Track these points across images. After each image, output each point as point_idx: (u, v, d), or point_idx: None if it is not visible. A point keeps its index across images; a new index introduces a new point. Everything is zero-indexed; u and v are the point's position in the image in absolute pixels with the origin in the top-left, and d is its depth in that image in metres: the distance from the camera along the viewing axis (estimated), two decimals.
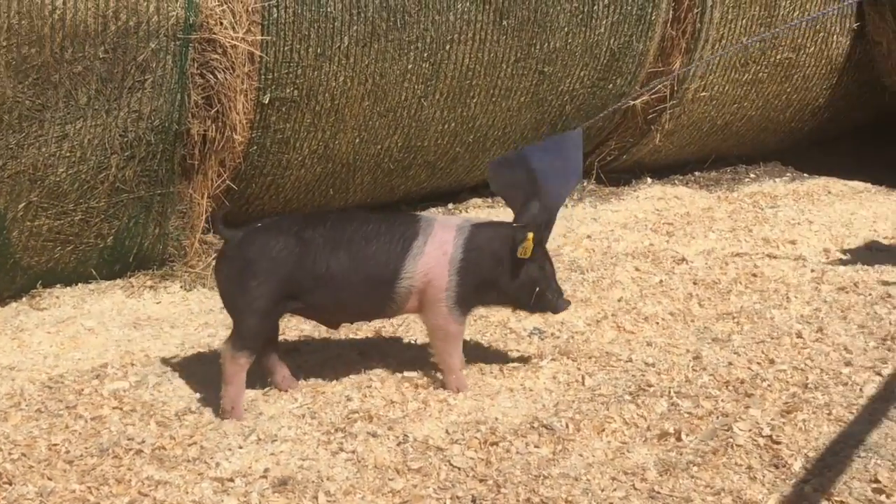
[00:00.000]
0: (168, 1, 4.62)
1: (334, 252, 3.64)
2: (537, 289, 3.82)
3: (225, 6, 4.88)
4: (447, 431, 3.55)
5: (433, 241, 3.70)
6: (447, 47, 5.51)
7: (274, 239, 3.64)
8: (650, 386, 3.84)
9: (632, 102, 6.27)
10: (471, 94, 5.77)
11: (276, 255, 3.62)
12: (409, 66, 5.45)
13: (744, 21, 6.37)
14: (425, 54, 5.47)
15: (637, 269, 5.11)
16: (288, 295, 3.64)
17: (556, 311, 3.91)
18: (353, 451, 3.43)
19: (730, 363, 4.01)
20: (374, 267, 3.65)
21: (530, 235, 3.72)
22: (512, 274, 3.77)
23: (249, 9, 4.98)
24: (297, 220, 3.75)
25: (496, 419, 3.64)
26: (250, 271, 3.62)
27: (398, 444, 3.47)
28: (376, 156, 5.72)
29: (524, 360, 4.12)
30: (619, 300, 4.74)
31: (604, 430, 3.55)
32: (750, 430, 3.50)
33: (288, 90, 5.17)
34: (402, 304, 3.73)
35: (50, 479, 3.28)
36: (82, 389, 3.85)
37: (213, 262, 3.88)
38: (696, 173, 7.02)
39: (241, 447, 3.45)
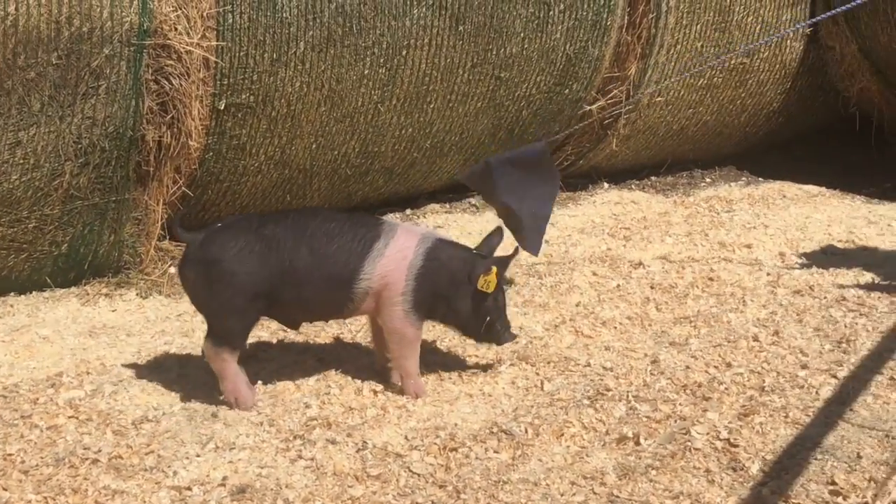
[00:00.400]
0: (122, 6, 4.60)
1: (296, 248, 3.66)
2: (488, 319, 3.87)
3: (179, 11, 4.86)
4: (406, 437, 3.56)
5: (394, 244, 3.73)
6: (403, 53, 5.53)
7: (235, 237, 3.66)
8: (608, 390, 3.87)
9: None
10: (427, 100, 5.78)
11: (239, 252, 3.64)
12: (366, 72, 5.46)
13: (698, 26, 6.43)
14: (381, 60, 5.48)
15: (595, 274, 5.14)
16: (257, 292, 3.66)
17: (500, 342, 3.96)
18: (312, 459, 3.43)
19: (687, 367, 4.05)
20: (333, 265, 3.68)
21: (495, 269, 3.80)
22: (465, 300, 3.82)
23: (204, 14, 4.96)
24: (258, 217, 3.77)
25: (455, 425, 3.65)
26: (216, 272, 3.64)
27: (357, 451, 3.47)
28: (333, 161, 5.72)
29: (483, 365, 4.13)
30: (577, 305, 4.76)
31: (563, 434, 3.57)
32: (708, 434, 3.53)
33: (244, 96, 5.16)
34: (359, 304, 3.76)
35: (5, 489, 3.25)
36: (37, 398, 3.82)
37: (178, 266, 3.87)
38: (653, 178, 7.08)
39: (198, 455, 3.44)
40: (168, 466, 3.38)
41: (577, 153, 6.73)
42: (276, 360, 4.20)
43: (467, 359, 4.19)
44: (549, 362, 4.13)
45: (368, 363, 4.11)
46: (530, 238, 4.67)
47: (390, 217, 6.11)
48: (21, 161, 4.62)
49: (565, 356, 4.18)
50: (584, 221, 6.12)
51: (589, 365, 4.11)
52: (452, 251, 3.84)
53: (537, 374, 4.05)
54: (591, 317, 4.61)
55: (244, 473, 3.35)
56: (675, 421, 3.64)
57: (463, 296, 3.81)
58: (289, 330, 4.21)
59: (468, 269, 3.80)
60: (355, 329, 4.47)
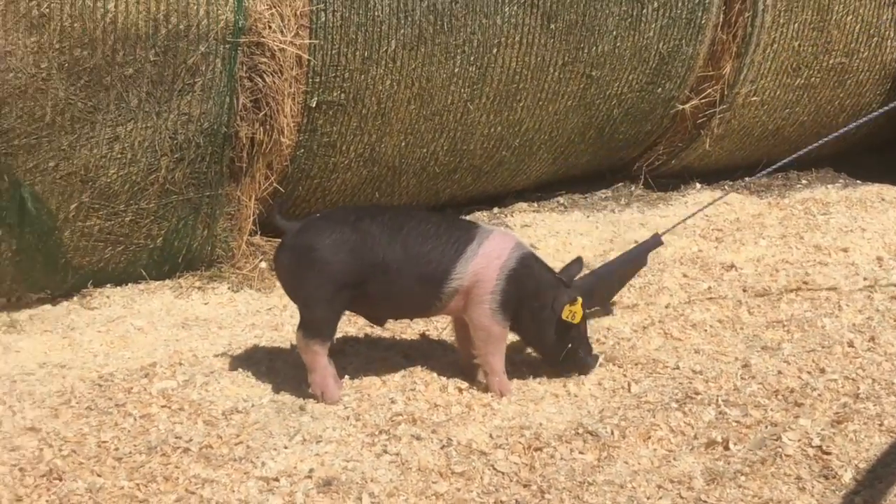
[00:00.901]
0: (217, 4, 4.68)
1: (390, 244, 3.72)
2: (569, 346, 3.93)
3: (274, 10, 4.93)
4: (491, 436, 3.57)
5: (488, 244, 3.77)
6: (494, 51, 5.54)
7: (331, 227, 3.73)
8: (697, 394, 3.83)
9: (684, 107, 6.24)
10: (517, 98, 5.78)
11: (333, 242, 3.70)
12: (456, 70, 5.48)
13: (795, 25, 6.33)
14: (472, 58, 5.50)
15: (685, 276, 5.09)
16: (347, 283, 3.72)
17: (585, 371, 4.00)
18: (398, 454, 3.46)
19: (779, 372, 3.99)
20: (426, 265, 3.73)
21: (580, 301, 3.84)
22: (546, 323, 3.88)
23: (298, 13, 5.03)
24: (356, 211, 3.84)
25: (540, 424, 3.65)
26: (309, 260, 3.71)
27: (442, 448, 3.49)
28: (422, 159, 5.75)
29: None
30: (666, 306, 4.73)
31: (650, 437, 3.55)
32: (799, 440, 3.48)
33: (335, 94, 5.22)
34: (447, 303, 3.81)
35: (99, 475, 3.35)
36: (131, 388, 3.92)
37: (274, 253, 3.96)
38: (747, 179, 6.97)
39: (286, 447, 3.49)
40: (256, 457, 3.44)
41: (669, 153, 6.66)
42: (363, 355, 4.25)
43: None
44: (636, 364, 4.11)
45: (454, 360, 4.13)
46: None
47: (477, 216, 6.14)
48: (119, 156, 4.74)
49: (653, 358, 4.15)
50: (673, 222, 6.05)
51: (678, 367, 4.07)
52: (543, 268, 3.89)
53: (625, 375, 4.04)
54: (681, 319, 4.57)
55: (330, 466, 3.39)
56: (766, 426, 3.59)
57: (545, 320, 3.88)
58: (374, 326, 4.25)
59: (552, 293, 3.86)
60: (441, 326, 4.49)
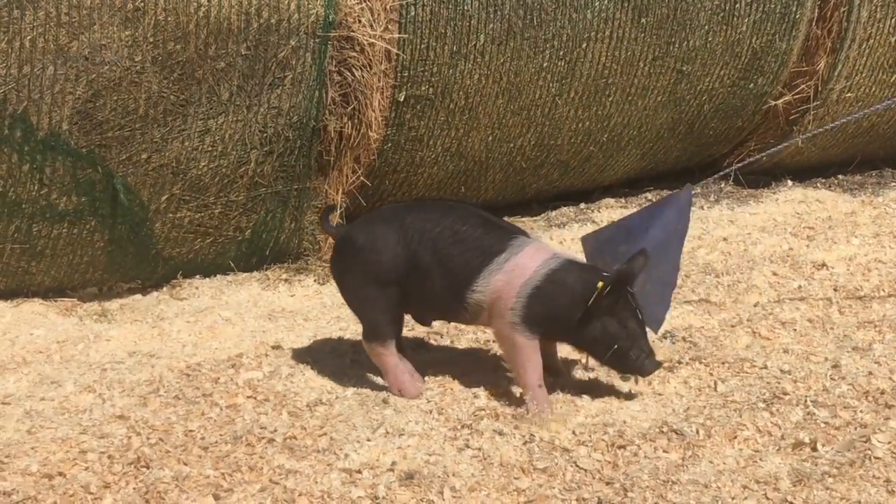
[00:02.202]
0: None
1: (423, 242, 3.65)
2: (616, 346, 3.61)
3: (363, 4, 4.96)
4: (574, 432, 3.55)
5: (515, 260, 3.60)
6: (583, 45, 5.50)
7: (370, 227, 3.75)
8: (786, 394, 3.76)
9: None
10: (606, 93, 5.74)
11: (370, 241, 3.70)
12: (545, 65, 5.45)
13: (893, 20, 6.17)
14: (561, 52, 5.46)
15: (775, 274, 5.01)
16: (387, 281, 3.69)
17: (641, 373, 3.68)
18: (479, 449, 3.45)
19: (870, 373, 3.90)
20: (451, 269, 3.63)
21: (599, 284, 3.54)
22: (585, 322, 3.59)
23: (387, 7, 5.05)
24: (404, 207, 3.85)
25: (624, 422, 3.61)
26: (351, 262, 3.75)
27: (524, 444, 3.48)
28: (509, 154, 5.73)
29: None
30: (755, 305, 4.65)
31: (736, 437, 3.49)
32: (890, 443, 3.40)
33: (423, 88, 5.23)
34: (475, 314, 3.67)
35: (185, 464, 3.40)
36: (218, 378, 3.97)
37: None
38: (840, 176, 6.84)
39: (369, 440, 3.51)
40: (340, 449, 3.46)
41: (760, 149, 6.55)
42: (447, 350, 4.25)
43: None
44: (723, 363, 4.05)
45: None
46: (653, 310, 4.13)
47: (564, 211, 6.11)
48: (209, 148, 4.80)
49: (741, 357, 4.09)
50: (765, 219, 5.96)
51: (766, 367, 4.00)
52: (579, 273, 3.61)
53: (711, 374, 3.98)
54: (770, 318, 4.49)
55: (412, 459, 3.40)
56: (855, 428, 3.51)
57: (582, 320, 3.58)
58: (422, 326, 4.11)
59: (588, 290, 3.56)
60: None
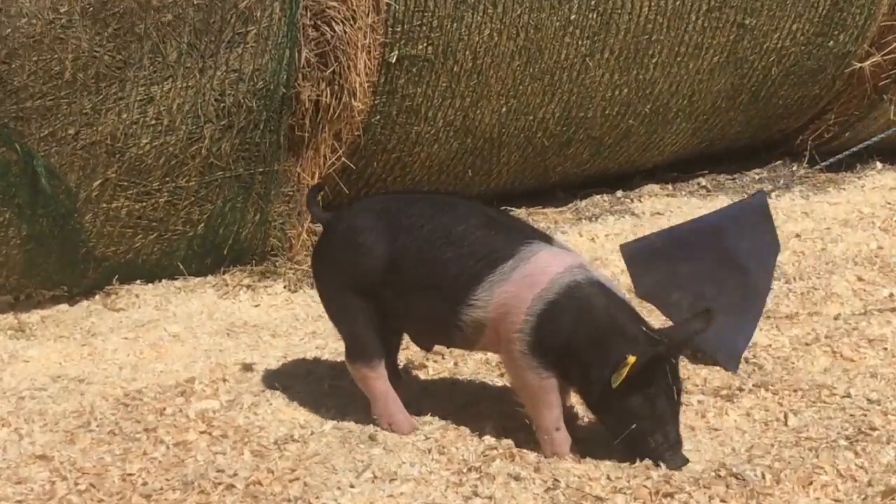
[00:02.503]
0: None
1: (406, 243, 3.62)
2: (634, 426, 3.48)
3: None
4: (608, 477, 3.54)
5: (525, 268, 3.51)
6: None
7: (345, 222, 3.75)
8: (874, 429, 3.76)
9: None
10: (649, 53, 5.74)
11: (356, 238, 3.68)
12: (572, 18, 5.46)
13: None
14: (592, 2, 5.47)
15: (860, 279, 5.01)
16: (359, 287, 3.67)
17: (670, 466, 3.53)
18: (491, 497, 3.44)
19: None
20: (440, 278, 3.57)
21: (631, 359, 3.37)
22: (605, 385, 3.45)
23: None
24: (388, 197, 3.92)
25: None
26: (333, 262, 3.76)
27: (546, 491, 3.47)
28: (527, 129, 5.74)
29: (710, 391, 4.08)
30: (835, 318, 4.65)
31: (811, 483, 3.49)
32: None
33: (420, 46, 5.23)
34: (472, 335, 3.61)
35: None
36: (164, 409, 3.96)
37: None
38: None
39: (352, 486, 3.50)
40: (316, 498, 3.45)
41: (841, 123, 6.57)
42: (450, 371, 4.25)
43: (688, 383, 4.14)
44: (796, 390, 4.05)
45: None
46: (726, 343, 4.19)
47: (595, 200, 6.11)
48: (153, 122, 4.80)
49: (818, 383, 4.09)
50: (847, 211, 5.96)
51: (849, 395, 4.00)
52: (618, 310, 3.48)
53: (780, 404, 3.98)
54: (855, 334, 4.49)
55: None
56: None
57: (601, 380, 3.46)
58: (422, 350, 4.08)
59: (622, 349, 3.40)
60: None
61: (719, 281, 4.19)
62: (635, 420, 3.49)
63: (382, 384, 3.79)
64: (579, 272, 3.50)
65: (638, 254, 4.26)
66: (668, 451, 3.53)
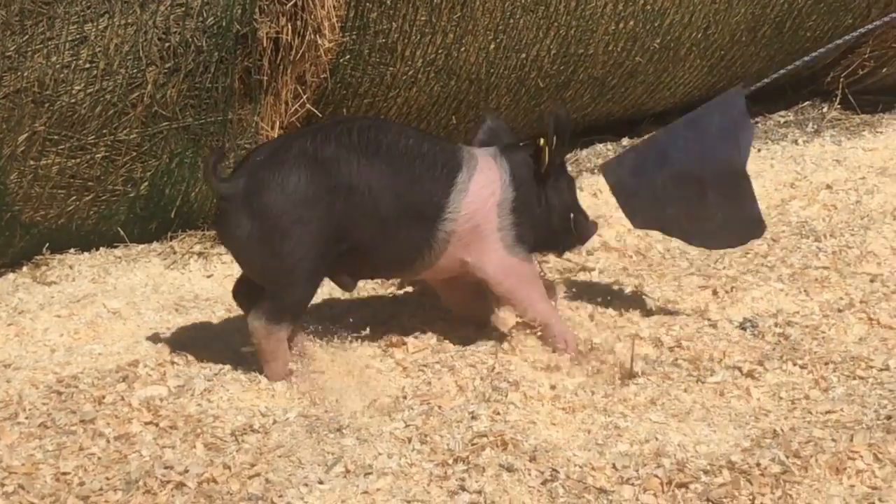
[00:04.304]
0: None
1: (371, 170, 3.95)
2: (571, 215, 4.27)
3: None
4: (614, 466, 3.54)
5: (478, 176, 4.07)
6: None
7: (290, 172, 3.88)
8: None
9: None
10: None
11: (303, 192, 3.87)
12: None
13: None
14: None
15: None
16: (332, 240, 3.92)
17: (585, 238, 4.37)
18: (480, 492, 3.45)
19: None
20: (415, 197, 3.99)
21: (541, 141, 4.13)
22: (549, 200, 4.21)
23: None
24: (309, 135, 3.98)
25: (686, 450, 3.61)
26: (278, 225, 3.87)
27: (543, 483, 3.47)
28: (519, 68, 5.72)
29: (730, 366, 4.07)
30: (872, 280, 4.65)
31: (845, 469, 3.49)
32: None
33: None
34: (436, 255, 4.07)
35: None
36: (103, 397, 3.94)
37: (217, 225, 4.10)
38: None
39: (321, 482, 3.50)
40: (279, 496, 3.44)
41: (878, 57, 6.57)
42: (433, 348, 4.25)
43: (707, 355, 4.14)
44: (827, 363, 4.05)
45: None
46: (742, 224, 4.42)
47: (599, 149, 6.10)
48: (87, 65, 4.77)
49: (852, 355, 4.09)
50: (885, 157, 5.96)
51: (887, 368, 4.01)
52: (521, 154, 4.20)
53: (810, 379, 3.98)
54: (894, 298, 4.49)
55: None
56: None
57: (547, 198, 4.19)
58: (344, 289, 4.30)
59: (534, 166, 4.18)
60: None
61: (701, 174, 4.37)
62: (570, 210, 4.27)
63: (285, 347, 4.03)
64: (503, 159, 4.14)
65: (622, 179, 4.55)
66: (588, 223, 4.35)
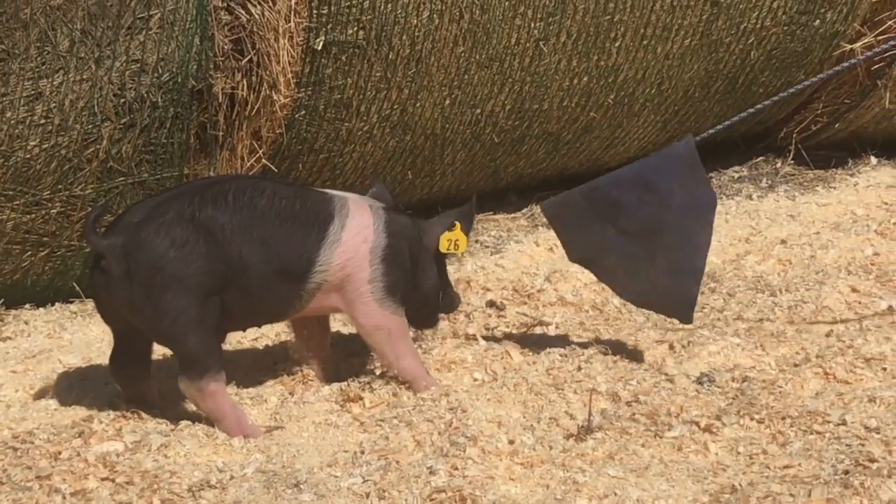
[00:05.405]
0: None
1: (245, 235, 4.06)
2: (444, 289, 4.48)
3: None
4: None
5: (350, 225, 4.20)
6: None
7: (168, 230, 3.97)
8: (873, 461, 3.78)
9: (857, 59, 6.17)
10: (612, 36, 5.76)
11: (182, 252, 3.96)
12: None
13: None
14: None
15: (855, 290, 5.04)
16: (210, 291, 4.03)
17: (452, 308, 4.60)
18: None
19: None
20: (287, 256, 4.12)
21: (458, 225, 4.35)
22: (426, 270, 4.38)
23: None
24: (186, 197, 4.04)
25: None
26: (157, 282, 3.95)
27: None
28: (474, 124, 5.74)
29: (687, 420, 4.09)
30: (827, 335, 4.68)
31: None
32: None
33: (350, 31, 5.22)
34: (308, 300, 4.21)
35: None
36: (59, 452, 3.92)
37: (94, 287, 4.14)
38: None
39: None
40: None
41: (830, 112, 6.61)
42: (388, 403, 4.26)
43: (664, 409, 4.16)
44: (784, 418, 4.06)
45: (526, 400, 4.21)
46: (675, 301, 4.49)
47: None
48: (42, 121, 4.77)
49: (809, 410, 4.11)
50: (839, 212, 6.00)
51: (844, 423, 4.02)
52: (404, 219, 4.37)
53: (768, 434, 4.00)
54: (850, 353, 4.51)
55: None
56: None
57: (424, 268, 4.37)
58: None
59: (425, 234, 4.37)
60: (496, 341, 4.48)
61: (652, 240, 4.42)
62: (445, 285, 4.48)
63: (229, 399, 4.08)
64: (379, 209, 4.28)
65: (562, 214, 4.58)
66: (456, 295, 4.60)
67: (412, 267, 4.33)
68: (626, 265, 4.48)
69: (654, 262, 4.41)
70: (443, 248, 4.34)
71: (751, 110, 4.72)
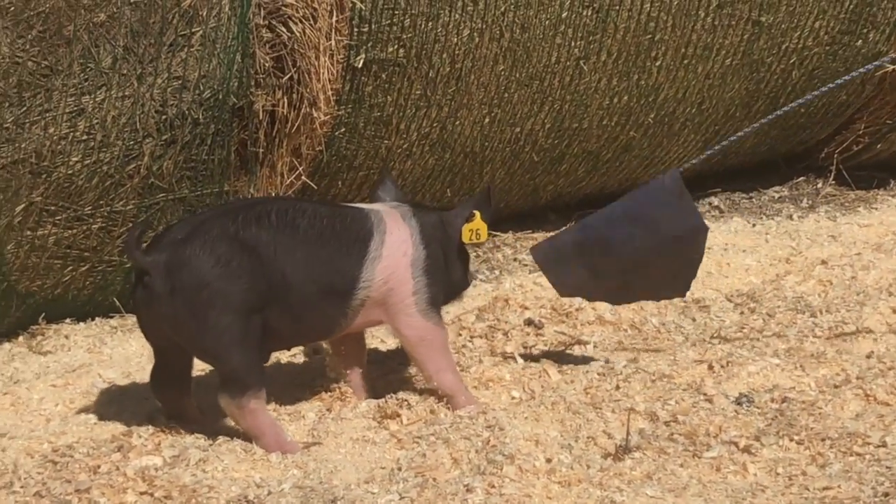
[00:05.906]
0: None
1: (289, 252, 4.09)
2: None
3: None
4: None
5: (388, 239, 4.24)
6: None
7: (212, 248, 3.99)
8: None
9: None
10: (652, 55, 5.76)
11: (226, 270, 3.99)
12: (564, 15, 5.47)
13: None
14: None
15: None
16: (253, 309, 4.05)
17: (468, 285, 4.59)
18: None
19: None
20: (330, 275, 4.16)
21: (478, 214, 4.35)
22: (454, 265, 4.43)
23: None
24: (230, 215, 4.08)
25: None
26: (202, 299, 3.98)
27: None
28: (514, 142, 5.74)
29: (726, 441, 4.08)
30: (868, 356, 4.66)
31: None
32: None
33: (391, 49, 5.23)
34: (353, 318, 4.24)
35: None
36: (98, 466, 3.93)
37: (138, 303, 4.13)
38: None
39: None
40: None
41: (872, 133, 6.59)
42: (426, 420, 4.25)
43: (703, 429, 4.15)
44: (824, 439, 4.05)
45: (564, 418, 4.20)
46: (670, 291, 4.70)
47: None
48: (84, 137, 4.79)
49: (849, 431, 4.09)
50: (881, 233, 5.98)
51: (884, 444, 4.01)
52: (435, 215, 4.42)
53: (808, 455, 3.98)
54: (891, 374, 4.50)
55: None
56: None
57: (452, 262, 4.41)
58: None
59: (449, 227, 4.39)
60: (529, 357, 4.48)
61: (645, 269, 4.52)
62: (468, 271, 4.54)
63: (268, 416, 4.10)
64: (412, 217, 4.30)
65: (551, 257, 4.64)
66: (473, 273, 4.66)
67: (444, 265, 4.38)
68: (622, 282, 4.58)
69: (648, 278, 4.55)
70: (465, 240, 4.38)
71: (732, 138, 4.77)
